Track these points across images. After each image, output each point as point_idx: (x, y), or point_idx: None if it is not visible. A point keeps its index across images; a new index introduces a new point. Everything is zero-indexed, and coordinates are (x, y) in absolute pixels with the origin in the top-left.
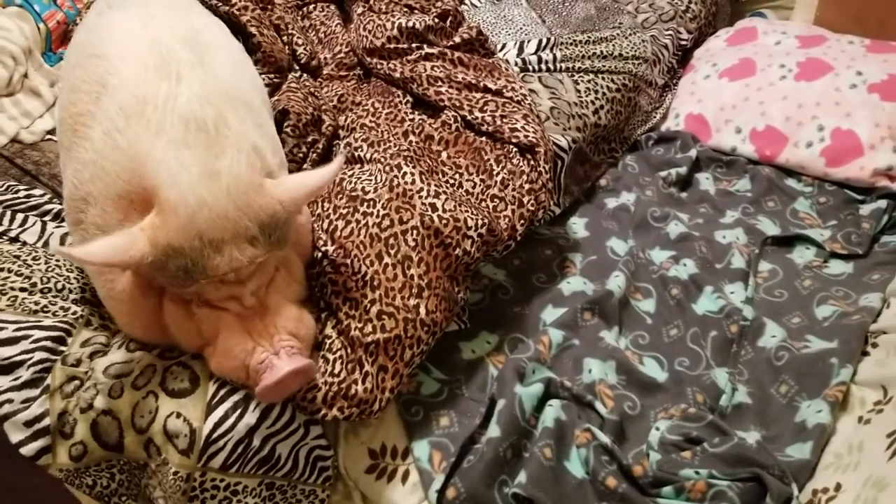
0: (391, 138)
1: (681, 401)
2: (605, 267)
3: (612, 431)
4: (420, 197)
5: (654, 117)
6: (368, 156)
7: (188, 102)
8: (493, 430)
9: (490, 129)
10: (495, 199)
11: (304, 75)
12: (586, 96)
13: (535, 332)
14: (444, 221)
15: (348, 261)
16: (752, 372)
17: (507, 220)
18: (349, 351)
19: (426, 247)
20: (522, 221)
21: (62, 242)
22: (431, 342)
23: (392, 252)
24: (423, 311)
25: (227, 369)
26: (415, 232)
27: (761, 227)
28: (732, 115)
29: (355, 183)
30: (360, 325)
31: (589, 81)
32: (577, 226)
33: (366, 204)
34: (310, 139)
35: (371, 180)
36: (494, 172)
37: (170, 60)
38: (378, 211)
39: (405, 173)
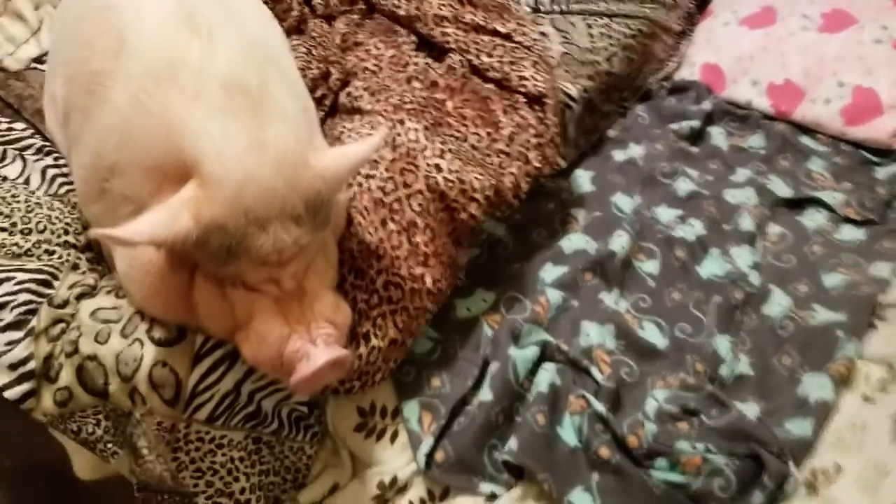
0: (394, 85)
1: (680, 369)
2: (609, 224)
3: (608, 399)
4: (424, 157)
5: (669, 65)
6: (369, 107)
7: (228, 64)
8: (486, 394)
9: (497, 75)
10: (501, 155)
11: (310, 22)
12: (599, 42)
13: (533, 291)
14: (449, 184)
15: (352, 228)
16: (755, 341)
17: (511, 178)
18: (356, 324)
19: (431, 211)
20: (528, 179)
21: (47, 183)
22: (435, 310)
23: (397, 218)
24: (429, 280)
25: (262, 357)
26: (420, 196)
27: (773, 188)
28: (750, 67)
29: (357, 140)
30: (366, 297)
31: (603, 26)
32: (582, 179)
33: (368, 165)
34: (318, 94)
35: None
36: (501, 125)
37: (196, 14)
38: (381, 173)
39: (409, 129)
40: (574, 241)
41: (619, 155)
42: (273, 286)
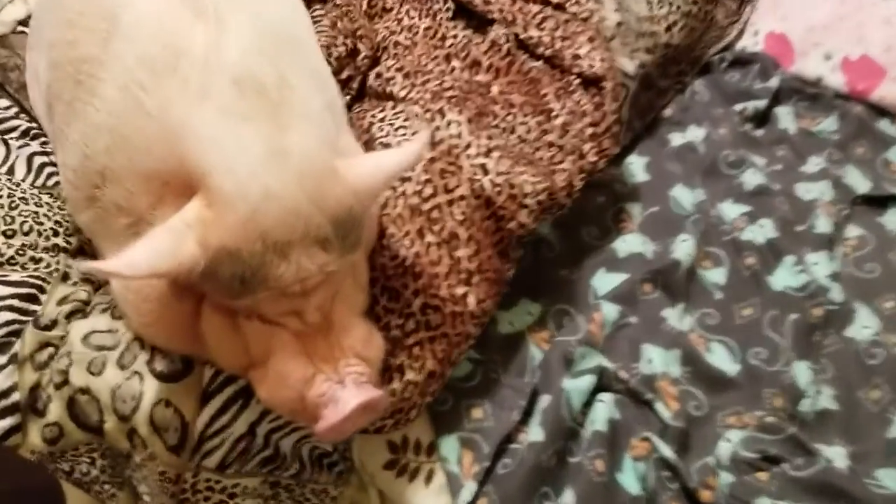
0: (430, 65)
1: (756, 405)
2: (668, 222)
3: (675, 441)
4: (468, 156)
5: (730, 34)
6: (403, 92)
7: (239, 54)
8: (536, 433)
9: (548, 52)
10: (552, 148)
11: None
12: (658, 9)
13: (586, 304)
14: (497, 189)
15: (384, 240)
16: (839, 369)
17: (564, 176)
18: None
19: (476, 220)
20: (582, 176)
21: (34, 173)
22: (478, 335)
23: (436, 229)
24: (472, 301)
25: (280, 400)
26: (462, 203)
27: (849, 181)
28: (822, 38)
29: (389, 133)
30: (400, 322)
31: None
32: (636, 166)
33: None
34: (344, 76)
35: (408, 131)
36: (553, 114)
37: None
38: (418, 176)
39: (449, 122)
40: (629, 243)
41: (676, 138)
42: (294, 319)
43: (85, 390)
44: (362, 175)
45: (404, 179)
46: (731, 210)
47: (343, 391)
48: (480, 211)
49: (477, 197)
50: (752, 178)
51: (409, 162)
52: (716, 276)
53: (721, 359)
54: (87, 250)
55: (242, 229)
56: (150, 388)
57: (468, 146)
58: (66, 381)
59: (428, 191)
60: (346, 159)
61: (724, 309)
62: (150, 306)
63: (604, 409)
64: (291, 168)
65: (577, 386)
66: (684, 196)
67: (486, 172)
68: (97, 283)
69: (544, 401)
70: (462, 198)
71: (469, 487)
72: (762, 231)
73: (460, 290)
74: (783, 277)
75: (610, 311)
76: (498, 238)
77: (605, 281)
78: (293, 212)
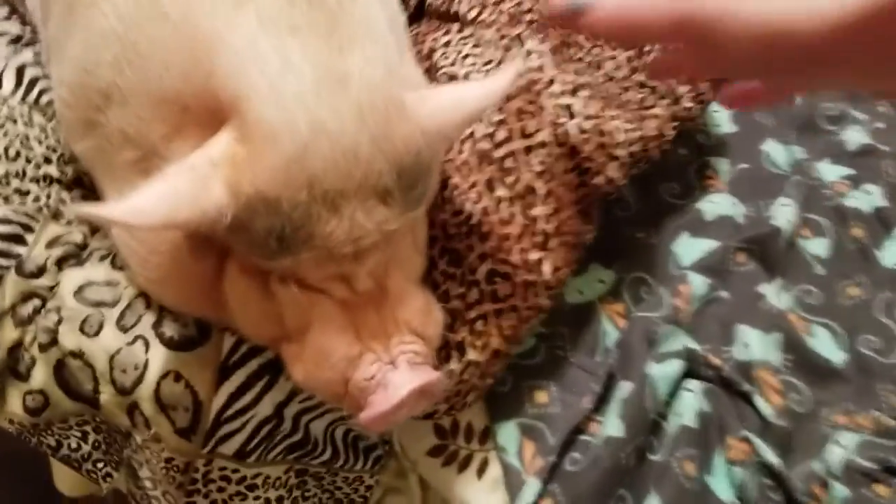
0: None
1: (869, 403)
2: (762, 182)
3: (778, 443)
4: (552, 95)
5: None
6: (473, 13)
7: None
8: (614, 425)
9: None
10: (643, 90)
11: None
12: None
13: (668, 274)
14: (584, 136)
15: (446, 192)
16: None
17: (656, 122)
18: (447, 328)
19: (556, 173)
20: (675, 124)
21: (24, 87)
22: (549, 308)
23: (509, 181)
24: (547, 269)
25: (319, 382)
26: (542, 151)
27: None
28: None
29: (456, 61)
30: (462, 291)
31: None
32: (721, 115)
33: None
34: None
35: (478, 60)
36: (645, 48)
37: None
38: (490, 115)
39: (529, 52)
40: (717, 204)
41: None
42: (341, 285)
43: (77, 354)
44: (436, 113)
45: None
46: (830, 171)
47: (395, 374)
48: (563, 161)
49: (560, 144)
50: (854, 137)
51: (494, 100)
52: (816, 247)
53: (826, 345)
54: (85, 182)
55: (284, 173)
56: (157, 357)
57: (551, 82)
58: (54, 342)
59: (501, 134)
60: (415, 92)
61: (827, 287)
62: (159, 260)
63: (692, 401)
64: (350, 98)
65: (663, 372)
66: (778, 153)
67: (571, 115)
68: (94, 226)
69: (624, 388)
70: (542, 144)
71: (532, 485)
72: (868, 198)
73: (534, 256)
74: (894, 254)
75: (698, 283)
76: (581, 195)
77: (689, 247)
78: (350, 153)
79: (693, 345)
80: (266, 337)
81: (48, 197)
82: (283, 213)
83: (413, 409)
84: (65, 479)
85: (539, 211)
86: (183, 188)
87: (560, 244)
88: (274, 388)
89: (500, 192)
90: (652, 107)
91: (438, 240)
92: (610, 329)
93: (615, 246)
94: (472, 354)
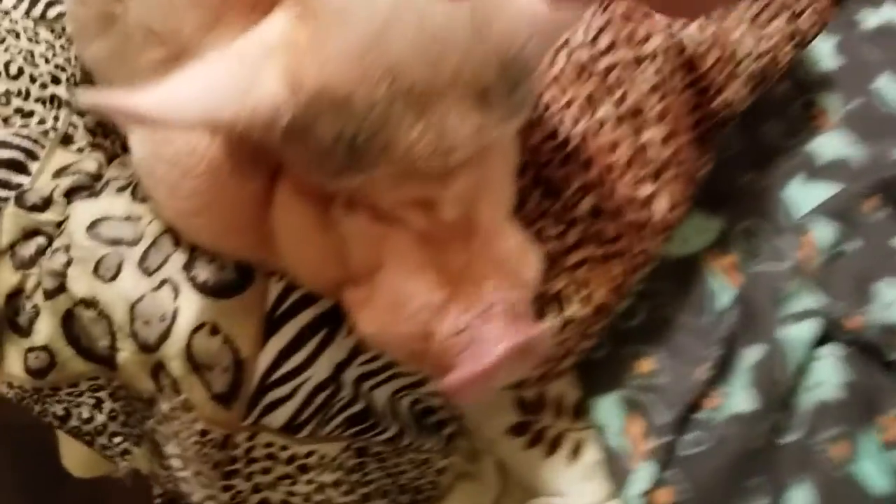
0: None
1: None
2: (876, 122)
3: None
4: None
5: None
6: None
7: None
8: (742, 399)
9: None
10: (757, 2)
11: None
12: None
13: (783, 222)
14: (702, 46)
15: (537, 110)
16: None
17: (772, 41)
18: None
19: (671, 89)
20: (793, 43)
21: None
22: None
23: (614, 98)
24: (662, 205)
25: (395, 337)
26: (655, 62)
27: None
28: None
29: None
30: (559, 231)
31: None
32: (824, 48)
33: None
34: None
35: None
36: None
37: None
38: (592, 18)
39: None
40: (831, 145)
41: (870, 18)
42: (421, 214)
43: (90, 302)
44: None
45: None
46: None
47: (490, 328)
48: (679, 76)
49: (678, 54)
50: None
51: None
52: None
53: None
54: None
55: (358, 62)
56: (189, 306)
57: None
58: (61, 288)
59: (604, 41)
60: None
61: None
62: (193, 185)
63: (832, 370)
64: None
65: (796, 336)
66: (891, 89)
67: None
68: (113, 151)
69: (751, 355)
70: (654, 55)
71: (644, 471)
72: None
73: (646, 189)
74: None
75: (824, 232)
76: (698, 118)
77: (805, 192)
78: (442, 39)
79: (826, 304)
80: (325, 280)
81: (56, 120)
82: (355, 115)
83: (510, 373)
84: (74, 455)
85: (651, 135)
86: (229, 78)
87: (675, 176)
88: (332, 344)
89: (604, 111)
90: (770, 19)
91: (529, 167)
92: (719, 286)
93: (718, 190)
94: (572, 308)
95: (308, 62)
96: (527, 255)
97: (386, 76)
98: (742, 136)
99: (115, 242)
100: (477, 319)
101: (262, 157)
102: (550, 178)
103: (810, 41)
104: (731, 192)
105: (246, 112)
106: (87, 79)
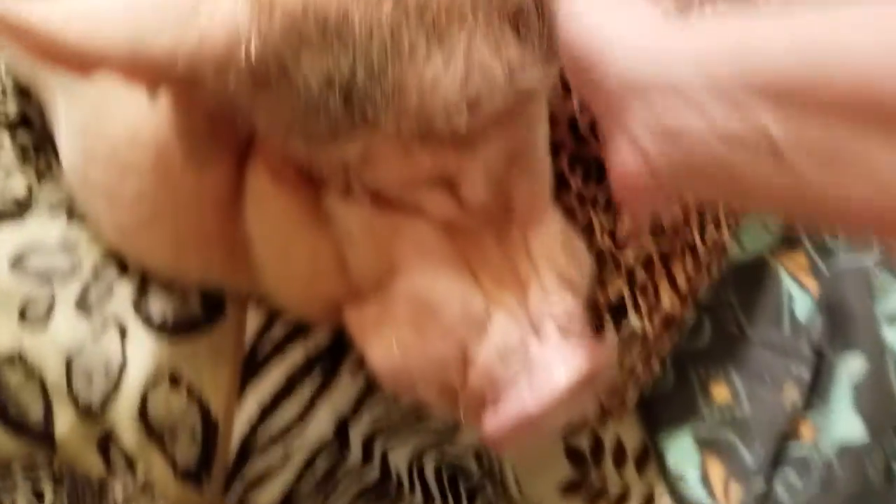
0: None
1: None
2: None
3: None
4: None
5: None
6: None
7: None
8: (847, 425)
9: None
10: None
11: None
12: None
13: None
14: None
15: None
16: None
17: None
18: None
19: None
20: None
21: None
22: None
23: None
24: None
25: (426, 362)
26: None
27: None
28: None
29: None
30: (608, 221)
31: None
32: None
33: None
34: None
35: None
36: None
37: None
38: None
39: None
40: None
41: None
42: (442, 196)
43: (15, 359)
44: None
45: None
46: None
47: (547, 350)
48: None
49: None
50: None
51: None
52: None
53: None
54: (33, 122)
55: None
56: (141, 353)
57: None
58: None
59: None
60: None
61: None
62: (138, 187)
63: None
64: None
65: None
66: None
67: None
68: (44, 167)
69: (852, 368)
70: None
71: None
72: None
73: None
74: None
75: None
76: None
77: None
78: None
79: None
80: (319, 299)
81: None
82: (351, 44)
83: (568, 411)
84: None
85: None
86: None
87: None
88: (332, 390)
89: None
90: None
91: (565, 144)
92: (795, 290)
93: None
94: (633, 320)
95: None
96: (574, 251)
97: None
98: None
99: (46, 277)
100: (529, 337)
101: (223, 132)
102: (592, 157)
103: None
104: None
105: (192, 40)
106: (21, 90)
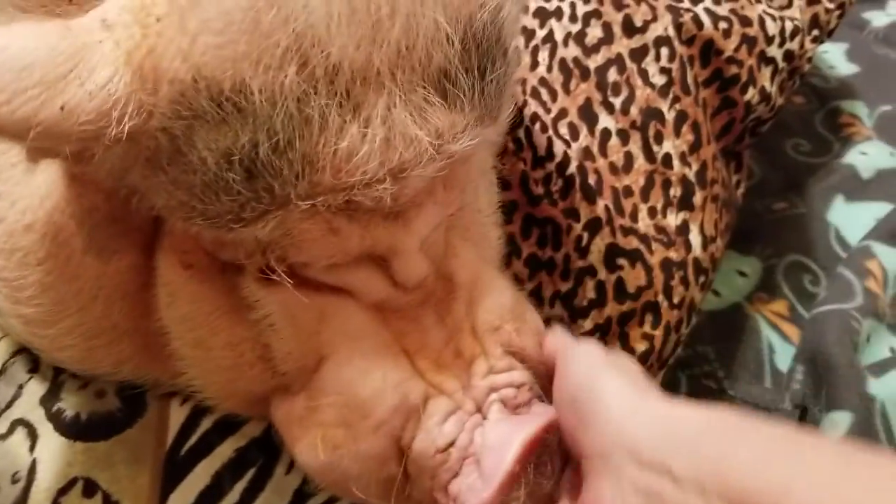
0: None
1: None
2: None
3: None
4: None
5: None
6: None
7: None
8: None
9: None
10: None
11: None
12: None
13: (835, 251)
14: (722, 24)
15: (521, 130)
16: None
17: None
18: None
19: (685, 85)
20: (813, 36)
21: None
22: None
23: (617, 103)
24: (696, 240)
25: (358, 460)
26: (664, 50)
27: None
28: None
29: None
30: (567, 287)
31: None
32: (834, 55)
33: None
34: None
35: None
36: None
37: None
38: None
39: None
40: (871, 156)
41: (876, 18)
42: (374, 277)
43: None
44: None
45: (552, 13)
46: None
47: (495, 428)
48: (696, 66)
49: (687, 41)
50: None
51: None
52: None
53: None
54: None
55: (250, 36)
56: (51, 457)
57: None
58: None
59: (596, 32)
60: None
61: None
62: (37, 277)
63: None
64: None
65: (890, 390)
66: None
67: None
68: None
69: (839, 424)
70: (663, 41)
71: None
72: None
73: (675, 219)
74: None
75: (890, 257)
76: (725, 120)
77: (852, 214)
78: (378, 2)
79: None
80: (244, 392)
81: None
82: (251, 114)
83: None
84: None
85: (671, 146)
86: (38, 49)
87: (707, 199)
88: (265, 491)
89: (606, 120)
90: (787, 6)
91: (518, 207)
92: (775, 338)
93: (749, 225)
94: None
95: (168, 41)
96: (525, 317)
97: (293, 54)
98: (763, 159)
99: None
100: (472, 419)
101: (125, 216)
102: (547, 218)
103: (831, 32)
104: (765, 224)
105: (52, 109)
106: None
